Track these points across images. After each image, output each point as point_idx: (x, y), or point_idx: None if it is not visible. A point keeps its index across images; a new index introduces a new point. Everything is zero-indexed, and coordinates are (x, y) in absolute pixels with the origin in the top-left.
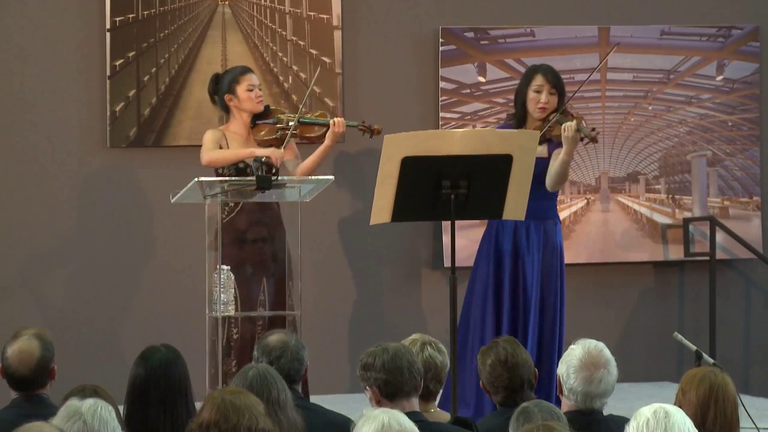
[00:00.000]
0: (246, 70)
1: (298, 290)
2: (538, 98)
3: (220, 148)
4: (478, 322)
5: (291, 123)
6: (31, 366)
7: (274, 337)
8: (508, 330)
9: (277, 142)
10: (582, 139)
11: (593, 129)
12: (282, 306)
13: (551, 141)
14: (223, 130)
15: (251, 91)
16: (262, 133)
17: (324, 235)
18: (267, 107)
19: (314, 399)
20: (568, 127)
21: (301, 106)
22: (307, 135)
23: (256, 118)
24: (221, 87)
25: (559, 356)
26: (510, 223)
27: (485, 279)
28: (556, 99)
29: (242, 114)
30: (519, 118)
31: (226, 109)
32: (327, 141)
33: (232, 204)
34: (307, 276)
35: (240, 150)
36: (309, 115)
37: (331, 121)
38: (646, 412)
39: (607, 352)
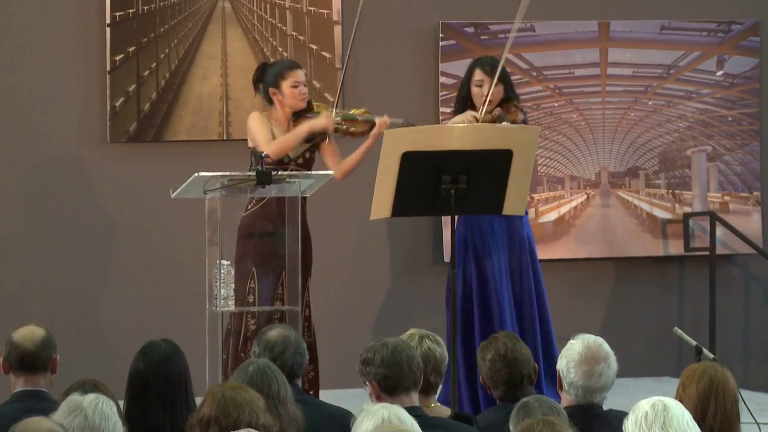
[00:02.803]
0: (294, 66)
1: (298, 286)
2: (482, 92)
3: (269, 129)
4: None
5: (337, 117)
6: (36, 342)
7: (275, 332)
8: (480, 330)
9: (319, 136)
10: None
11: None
12: (298, 301)
13: None
14: (267, 115)
15: (296, 87)
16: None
17: (324, 230)
18: (309, 102)
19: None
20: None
21: (336, 99)
22: (350, 130)
23: (297, 112)
24: (267, 78)
25: (546, 351)
26: (474, 220)
27: (457, 280)
28: (502, 89)
29: (284, 108)
30: (459, 112)
31: (270, 101)
32: (369, 140)
33: (255, 200)
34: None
35: (298, 129)
36: (353, 111)
37: (376, 120)
38: (644, 405)
39: (606, 346)
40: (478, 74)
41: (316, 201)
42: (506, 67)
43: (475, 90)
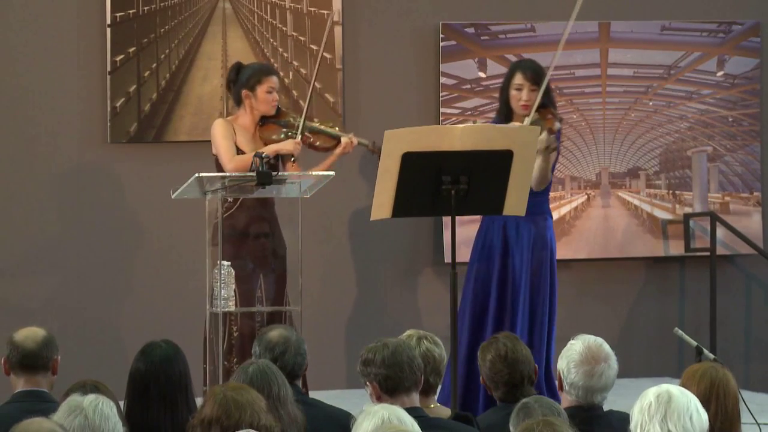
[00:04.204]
0: (270, 72)
1: (299, 286)
2: (520, 96)
3: (236, 145)
4: (466, 322)
5: (300, 128)
6: (37, 341)
7: (275, 333)
8: (493, 328)
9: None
10: (547, 149)
11: (552, 135)
12: (281, 302)
13: None
14: (231, 122)
15: (270, 93)
16: (270, 134)
17: (324, 231)
18: (278, 108)
19: (314, 394)
20: (540, 141)
21: (306, 106)
22: (315, 144)
23: (265, 117)
24: (241, 79)
25: (549, 354)
26: (500, 219)
27: (475, 277)
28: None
29: (253, 111)
30: (504, 115)
31: (239, 101)
32: (332, 157)
33: (231, 200)
34: (307, 272)
35: (264, 150)
36: (321, 125)
37: (342, 138)
38: (651, 394)
39: (606, 346)
40: (518, 78)
41: (316, 201)
42: (506, 67)
43: (513, 93)
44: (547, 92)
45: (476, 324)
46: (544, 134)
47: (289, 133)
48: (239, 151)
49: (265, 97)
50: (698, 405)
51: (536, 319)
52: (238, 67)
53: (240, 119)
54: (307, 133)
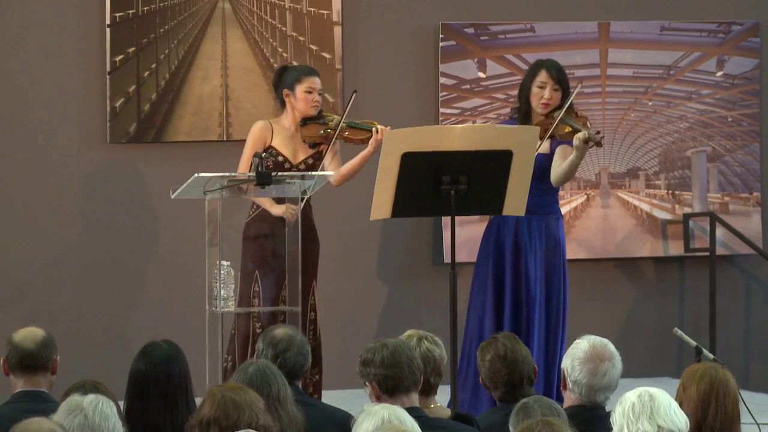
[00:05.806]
0: (312, 72)
1: (298, 287)
2: (542, 94)
3: (264, 142)
4: (476, 322)
5: (336, 124)
6: (37, 341)
7: (281, 331)
8: (510, 328)
9: (323, 140)
10: (587, 142)
11: (598, 132)
12: (305, 302)
13: (554, 138)
14: (272, 123)
15: (310, 93)
16: (310, 132)
17: (324, 231)
18: (320, 112)
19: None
20: (579, 137)
21: (347, 108)
22: (351, 138)
23: (307, 118)
24: (284, 80)
25: (562, 353)
26: (511, 218)
27: (486, 277)
28: (560, 95)
29: (294, 111)
30: (523, 113)
31: (282, 103)
32: (369, 147)
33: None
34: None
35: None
36: (356, 121)
37: (374, 129)
38: (631, 396)
39: (611, 346)
40: (542, 75)
41: (315, 202)
42: (506, 67)
43: (535, 90)
44: (567, 94)
45: (494, 326)
46: (585, 132)
47: (328, 130)
48: (274, 150)
49: (303, 96)
50: (677, 407)
51: (551, 320)
52: (282, 70)
53: (282, 120)
54: (345, 129)
